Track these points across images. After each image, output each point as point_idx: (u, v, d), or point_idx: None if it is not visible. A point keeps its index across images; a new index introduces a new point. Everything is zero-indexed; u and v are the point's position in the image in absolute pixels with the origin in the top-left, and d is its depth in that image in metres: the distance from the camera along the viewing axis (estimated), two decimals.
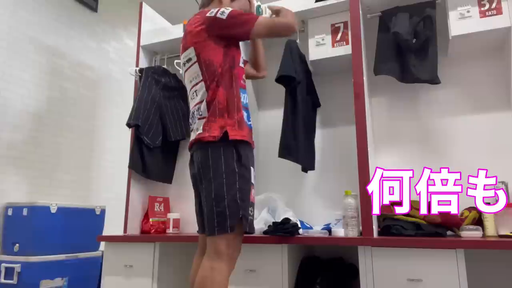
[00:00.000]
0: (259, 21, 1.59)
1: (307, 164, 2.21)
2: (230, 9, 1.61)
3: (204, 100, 1.57)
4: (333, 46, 2.16)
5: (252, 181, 1.54)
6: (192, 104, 1.65)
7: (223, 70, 1.58)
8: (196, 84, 1.61)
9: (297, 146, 2.07)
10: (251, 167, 1.55)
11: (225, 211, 1.44)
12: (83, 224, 2.86)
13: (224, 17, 1.57)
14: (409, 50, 1.99)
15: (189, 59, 1.64)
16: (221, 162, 1.48)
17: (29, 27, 3.06)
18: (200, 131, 1.55)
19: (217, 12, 1.59)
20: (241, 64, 1.68)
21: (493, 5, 1.86)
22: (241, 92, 1.63)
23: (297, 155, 2.07)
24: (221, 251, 1.44)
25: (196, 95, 1.62)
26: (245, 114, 1.61)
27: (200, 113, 1.58)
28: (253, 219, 1.53)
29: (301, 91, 2.15)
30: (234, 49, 1.64)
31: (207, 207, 1.49)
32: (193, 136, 1.61)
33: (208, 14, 1.61)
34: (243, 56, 1.72)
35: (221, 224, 1.44)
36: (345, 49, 2.12)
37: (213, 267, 1.42)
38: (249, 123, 1.64)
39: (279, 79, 2.09)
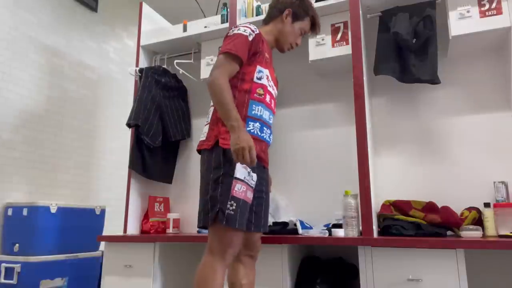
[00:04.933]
0: (224, 56, 1.57)
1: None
2: (241, 30, 1.63)
3: (212, 106, 1.66)
4: (333, 46, 2.16)
5: (238, 176, 1.50)
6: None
7: (230, 83, 1.57)
8: None
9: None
10: (237, 163, 1.53)
11: (207, 205, 1.50)
12: (83, 224, 2.86)
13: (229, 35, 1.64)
14: (409, 50, 1.99)
15: None
16: (211, 162, 1.55)
17: (29, 27, 3.06)
18: (203, 137, 1.64)
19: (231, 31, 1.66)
20: (259, 80, 1.65)
21: (493, 5, 1.86)
22: (252, 104, 1.62)
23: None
24: (212, 246, 1.50)
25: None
26: (252, 125, 1.60)
27: (208, 117, 1.66)
28: (233, 213, 1.46)
29: None
30: (246, 66, 1.64)
31: (199, 202, 1.58)
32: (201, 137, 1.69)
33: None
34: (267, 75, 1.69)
35: (204, 217, 1.51)
36: (345, 49, 2.12)
37: (204, 261, 1.49)
38: (261, 134, 1.63)
39: None
